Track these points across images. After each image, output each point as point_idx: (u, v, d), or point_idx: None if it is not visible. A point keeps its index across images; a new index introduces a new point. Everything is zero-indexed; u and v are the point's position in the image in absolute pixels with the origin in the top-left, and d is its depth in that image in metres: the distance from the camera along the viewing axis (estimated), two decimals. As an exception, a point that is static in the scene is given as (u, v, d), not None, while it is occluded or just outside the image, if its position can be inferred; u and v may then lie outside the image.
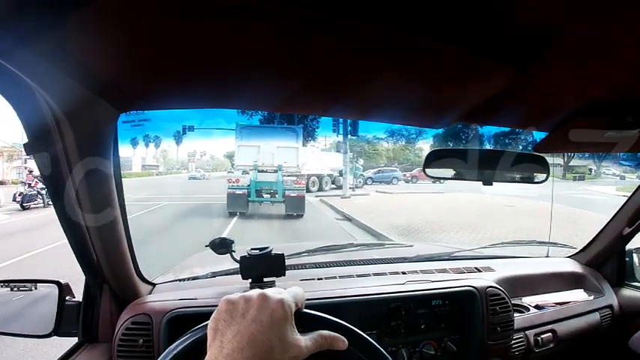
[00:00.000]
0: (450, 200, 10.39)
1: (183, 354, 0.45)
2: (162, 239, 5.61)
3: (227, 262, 1.03)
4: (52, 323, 0.85)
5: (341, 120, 10.72)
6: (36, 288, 0.89)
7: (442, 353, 0.99)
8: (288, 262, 0.98)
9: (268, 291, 0.44)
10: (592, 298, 1.27)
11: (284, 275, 0.96)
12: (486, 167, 0.82)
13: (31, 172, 9.34)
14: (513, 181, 0.86)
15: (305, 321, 0.45)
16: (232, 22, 0.37)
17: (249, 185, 8.13)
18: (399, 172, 16.50)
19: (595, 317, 1.23)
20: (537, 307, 1.18)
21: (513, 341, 1.05)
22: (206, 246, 1.00)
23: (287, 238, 6.14)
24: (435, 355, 0.98)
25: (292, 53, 0.44)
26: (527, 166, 0.84)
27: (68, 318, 0.86)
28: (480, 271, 1.21)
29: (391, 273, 1.13)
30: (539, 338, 1.11)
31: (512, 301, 1.07)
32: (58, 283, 0.87)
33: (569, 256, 1.45)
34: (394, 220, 7.14)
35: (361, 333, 0.49)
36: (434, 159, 0.86)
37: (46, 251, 4.91)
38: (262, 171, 8.68)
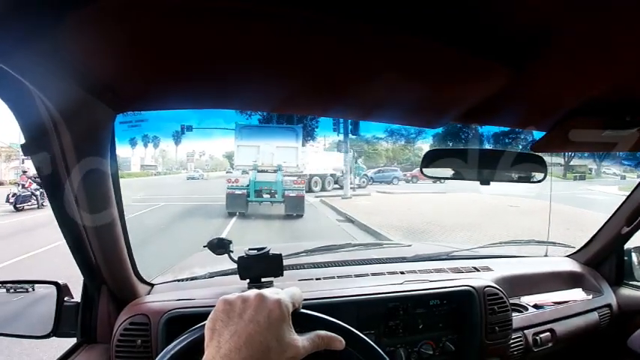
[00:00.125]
0: (453, 200, 10.34)
1: (180, 354, 0.45)
2: (161, 240, 5.59)
3: (225, 263, 1.03)
4: (50, 324, 0.85)
5: (342, 119, 10.72)
6: (34, 289, 0.89)
7: (440, 353, 0.99)
8: (286, 262, 0.98)
9: (266, 291, 0.44)
10: (591, 297, 1.27)
11: (282, 275, 0.96)
12: (484, 167, 0.82)
13: (25, 172, 9.19)
14: (511, 180, 0.86)
15: (302, 321, 0.45)
16: (232, 22, 0.37)
17: (248, 185, 8.11)
18: (400, 171, 16.41)
19: (594, 316, 1.23)
20: (536, 306, 1.18)
21: (512, 341, 1.05)
22: (204, 246, 1.00)
23: (286, 239, 6.13)
24: (433, 355, 0.98)
25: (292, 53, 0.43)
26: (525, 166, 0.84)
27: (67, 319, 0.86)
28: (478, 270, 1.21)
29: (389, 273, 1.13)
30: (537, 338, 1.11)
31: (511, 301, 1.07)
32: (56, 284, 0.87)
33: (567, 256, 1.46)
34: (393, 221, 7.12)
35: (358, 333, 0.49)
36: (431, 159, 0.86)
37: (43, 252, 4.88)
38: (262, 171, 8.67)
